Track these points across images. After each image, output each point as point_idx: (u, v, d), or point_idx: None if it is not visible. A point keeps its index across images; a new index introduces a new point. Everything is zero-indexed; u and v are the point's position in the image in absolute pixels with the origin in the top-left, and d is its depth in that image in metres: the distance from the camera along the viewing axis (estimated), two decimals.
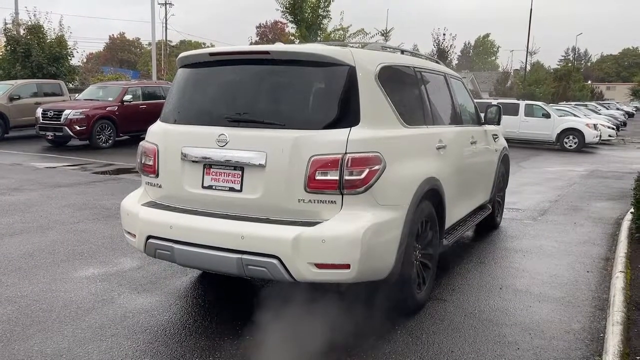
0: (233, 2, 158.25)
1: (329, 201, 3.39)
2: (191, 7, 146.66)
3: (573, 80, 49.05)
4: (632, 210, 7.64)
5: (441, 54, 29.02)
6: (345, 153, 3.35)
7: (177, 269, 4.97)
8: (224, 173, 3.63)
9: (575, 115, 21.26)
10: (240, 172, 3.57)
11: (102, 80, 26.16)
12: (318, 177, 3.36)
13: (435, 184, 4.17)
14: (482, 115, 6.03)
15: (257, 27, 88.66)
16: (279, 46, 3.73)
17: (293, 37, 17.38)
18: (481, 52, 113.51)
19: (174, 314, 4.04)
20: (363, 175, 3.37)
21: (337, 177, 3.34)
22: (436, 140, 4.44)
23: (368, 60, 3.74)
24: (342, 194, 3.37)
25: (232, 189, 3.60)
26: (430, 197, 4.11)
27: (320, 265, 3.31)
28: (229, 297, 4.48)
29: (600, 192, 9.79)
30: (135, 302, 4.23)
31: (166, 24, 48.96)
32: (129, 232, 4.00)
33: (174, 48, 68.22)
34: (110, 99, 15.74)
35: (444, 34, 30.71)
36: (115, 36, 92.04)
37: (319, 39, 16.93)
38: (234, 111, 3.71)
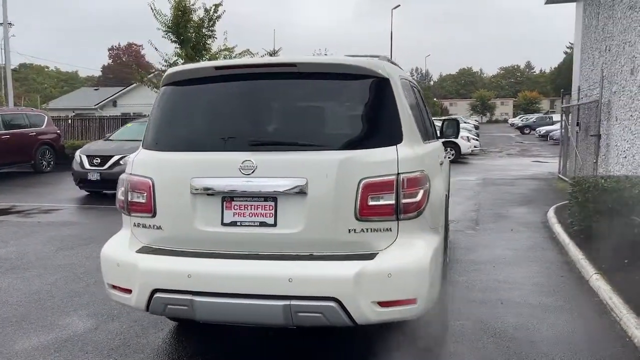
0: (76, 24, 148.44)
1: (384, 229, 2.98)
2: (32, 28, 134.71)
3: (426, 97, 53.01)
4: (551, 213, 8.19)
5: None
6: (399, 173, 2.98)
7: (146, 324, 4.17)
8: (252, 206, 3.05)
9: None
10: (273, 204, 3.02)
11: None
12: (371, 203, 2.95)
13: (446, 201, 3.97)
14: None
15: (109, 50, 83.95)
16: (305, 57, 3.25)
17: (177, 57, 16.40)
18: None
19: None
20: (419, 197, 3.03)
21: (393, 202, 2.96)
22: (439, 155, 4.25)
23: (393, 72, 3.42)
24: (398, 220, 2.99)
25: (263, 224, 3.03)
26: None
27: (384, 304, 2.89)
28: (228, 348, 3.82)
29: (506, 199, 10.40)
30: None
31: (7, 45, 43.78)
32: (118, 287, 3.21)
33: (14, 72, 61.68)
34: None
35: (325, 55, 31.33)
36: None
37: (204, 59, 16.20)
38: (260, 133, 3.15)
